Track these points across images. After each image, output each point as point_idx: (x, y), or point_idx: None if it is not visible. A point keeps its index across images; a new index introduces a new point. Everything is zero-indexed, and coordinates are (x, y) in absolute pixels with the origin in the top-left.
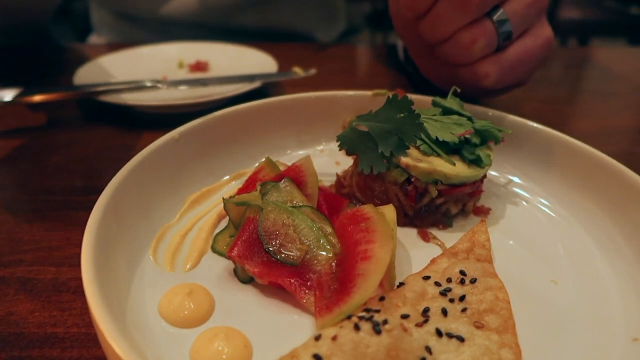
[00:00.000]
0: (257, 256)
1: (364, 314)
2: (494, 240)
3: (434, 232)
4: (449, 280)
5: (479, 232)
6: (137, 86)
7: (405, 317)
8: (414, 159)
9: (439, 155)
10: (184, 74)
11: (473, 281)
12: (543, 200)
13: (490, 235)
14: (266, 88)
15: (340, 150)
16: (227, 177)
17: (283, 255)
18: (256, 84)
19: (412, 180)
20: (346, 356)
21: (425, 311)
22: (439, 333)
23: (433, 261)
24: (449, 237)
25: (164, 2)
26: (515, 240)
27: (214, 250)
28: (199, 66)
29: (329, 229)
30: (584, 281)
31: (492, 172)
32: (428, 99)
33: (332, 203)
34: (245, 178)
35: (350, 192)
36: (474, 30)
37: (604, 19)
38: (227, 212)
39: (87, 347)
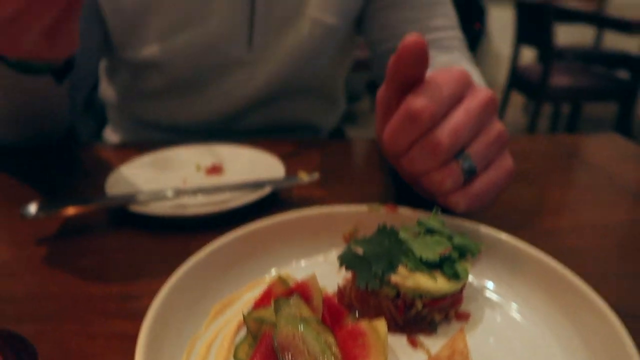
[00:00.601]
0: None
1: None
2: (473, 344)
3: (422, 338)
4: None
5: (459, 339)
6: (161, 196)
7: None
8: (402, 277)
9: (423, 272)
10: (202, 177)
11: None
12: (514, 304)
13: (470, 339)
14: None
15: (340, 267)
16: (244, 287)
17: None
18: (266, 191)
19: (401, 295)
20: None
21: None
22: None
23: None
24: (434, 343)
25: (175, 112)
26: (492, 342)
27: (235, 358)
28: (215, 169)
29: (331, 340)
30: None
31: (469, 278)
32: (415, 214)
33: (335, 314)
34: (259, 288)
35: (349, 303)
36: (443, 172)
37: (593, 84)
38: (247, 325)
39: None
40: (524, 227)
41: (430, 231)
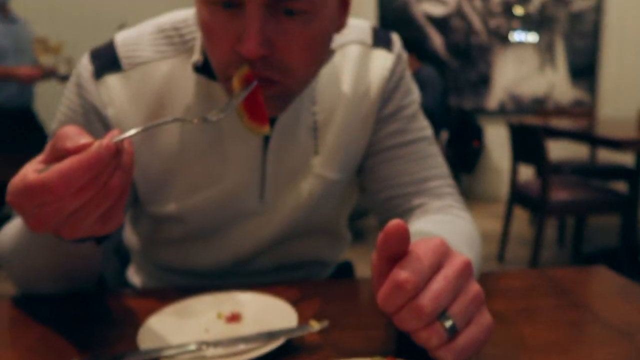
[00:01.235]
0: None
1: None
2: None
3: None
4: None
5: None
6: (186, 350)
7: None
8: None
9: None
10: (222, 325)
11: None
12: None
13: None
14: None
15: None
16: None
17: None
18: (281, 341)
19: None
20: None
21: None
22: None
23: None
24: None
25: (193, 258)
26: None
27: None
28: (234, 317)
29: None
30: None
31: None
32: None
33: None
34: None
35: None
36: (428, 331)
37: (593, 198)
38: None
39: None
40: None
41: None
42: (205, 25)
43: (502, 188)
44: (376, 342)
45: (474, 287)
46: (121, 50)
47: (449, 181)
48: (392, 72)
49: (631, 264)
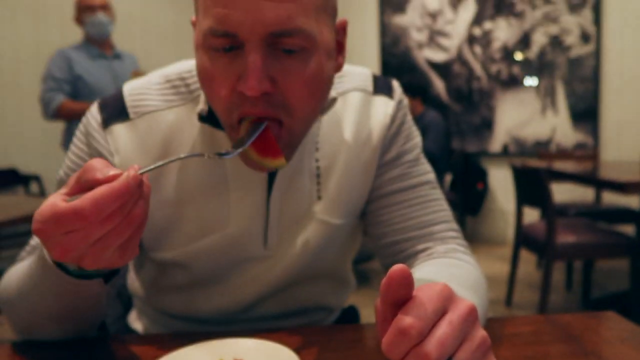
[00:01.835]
0: None
1: None
2: None
3: None
4: None
5: None
6: None
7: None
8: None
9: None
10: None
11: None
12: None
13: None
14: None
15: None
16: None
17: None
18: None
19: None
20: None
21: None
22: None
23: None
24: None
25: (196, 304)
26: None
27: None
28: None
29: None
30: None
31: None
32: None
33: None
34: None
35: None
36: None
37: (600, 241)
38: None
39: None
40: None
41: None
42: (206, 72)
43: (508, 230)
44: None
45: (480, 333)
46: (128, 100)
47: (453, 225)
48: (393, 118)
49: None
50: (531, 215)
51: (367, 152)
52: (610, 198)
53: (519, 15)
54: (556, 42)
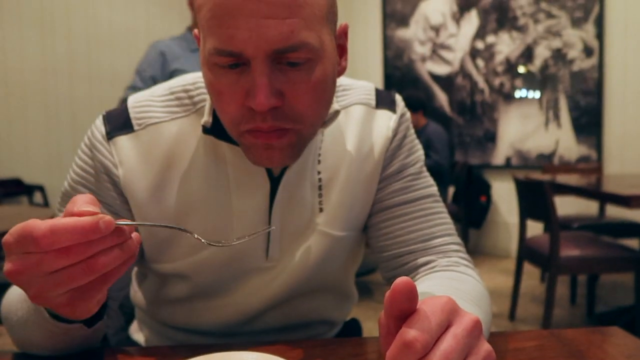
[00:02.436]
0: None
1: None
2: None
3: None
4: None
5: None
6: None
7: None
8: None
9: None
10: None
11: None
12: None
13: None
14: None
15: None
16: None
17: None
18: None
19: None
20: None
21: None
22: None
23: None
24: None
25: (198, 316)
26: None
27: None
28: None
29: None
30: None
31: None
32: None
33: None
34: None
35: None
36: None
37: (604, 255)
38: None
39: None
40: None
41: None
42: (213, 88)
43: (511, 243)
44: None
45: (485, 347)
46: (133, 112)
47: (455, 238)
48: (396, 131)
49: None
50: (535, 228)
51: (370, 165)
52: (614, 211)
53: (522, 29)
54: (559, 55)
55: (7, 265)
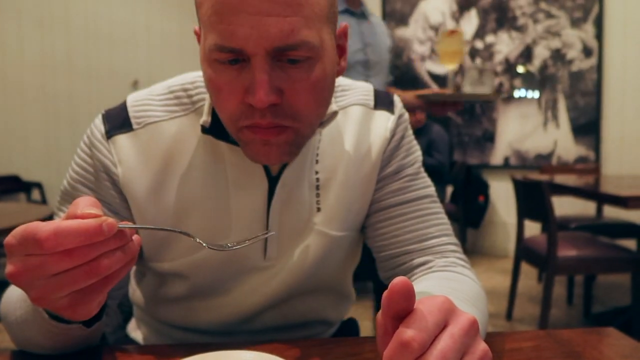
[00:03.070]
0: None
1: None
2: None
3: None
4: None
5: None
6: None
7: None
8: None
9: None
10: None
11: None
12: None
13: None
14: None
15: None
16: None
17: None
18: None
19: None
20: None
21: None
22: None
23: None
24: None
25: (196, 315)
26: None
27: None
28: None
29: None
30: None
31: None
32: None
33: None
34: None
35: None
36: None
37: (601, 255)
38: None
39: None
40: None
41: None
42: (213, 84)
43: (509, 243)
44: None
45: (481, 346)
46: (132, 111)
47: (452, 239)
48: (394, 132)
49: None
50: (532, 228)
51: (367, 166)
52: (612, 212)
53: (521, 29)
54: (558, 55)
55: (9, 267)
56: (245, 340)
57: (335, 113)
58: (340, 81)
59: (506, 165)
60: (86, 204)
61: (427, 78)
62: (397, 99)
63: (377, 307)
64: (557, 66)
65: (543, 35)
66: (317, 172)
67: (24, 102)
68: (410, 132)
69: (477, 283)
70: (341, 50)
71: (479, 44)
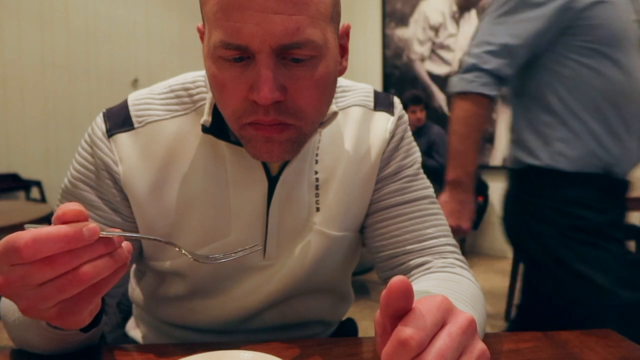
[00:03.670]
0: None
1: None
2: None
3: None
4: None
5: None
6: None
7: None
8: None
9: None
10: None
11: None
12: None
13: None
14: None
15: None
16: None
17: None
18: None
19: None
20: None
21: None
22: None
23: None
24: None
25: (195, 314)
26: None
27: None
28: None
29: None
30: None
31: None
32: None
33: None
34: None
35: None
36: None
37: None
38: None
39: None
40: None
41: None
42: (217, 80)
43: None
44: None
45: (479, 345)
46: (133, 109)
47: (451, 240)
48: (393, 133)
49: None
50: None
51: (367, 166)
52: None
53: None
54: None
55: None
56: (244, 340)
57: (335, 113)
58: (341, 82)
59: (505, 165)
60: (71, 207)
61: (426, 78)
62: (396, 100)
63: None
64: None
65: None
66: (316, 172)
67: (24, 100)
68: (409, 133)
69: (475, 284)
70: (343, 50)
71: None
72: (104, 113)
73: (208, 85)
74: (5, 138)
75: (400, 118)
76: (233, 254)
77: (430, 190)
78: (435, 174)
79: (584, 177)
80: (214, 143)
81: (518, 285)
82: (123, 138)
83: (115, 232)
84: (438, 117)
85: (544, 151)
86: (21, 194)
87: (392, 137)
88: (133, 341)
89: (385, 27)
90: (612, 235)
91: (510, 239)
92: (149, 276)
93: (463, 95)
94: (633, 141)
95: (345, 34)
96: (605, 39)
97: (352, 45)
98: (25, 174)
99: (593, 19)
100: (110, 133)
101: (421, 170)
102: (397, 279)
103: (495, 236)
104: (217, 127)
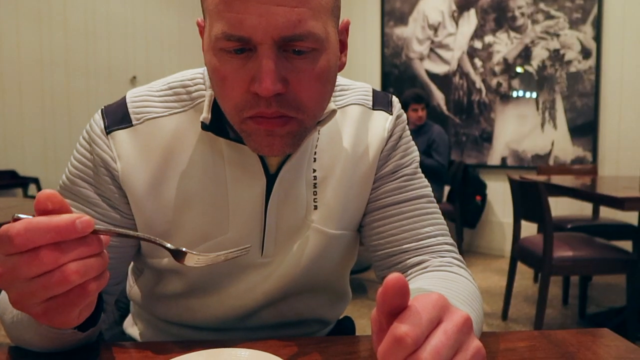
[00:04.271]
0: None
1: None
2: None
3: None
4: None
5: None
6: None
7: None
8: None
9: None
10: None
11: None
12: None
13: None
14: None
15: None
16: None
17: None
18: None
19: None
20: None
21: None
22: None
23: None
24: None
25: (193, 312)
26: None
27: None
28: None
29: None
30: None
31: None
32: None
33: None
34: None
35: None
36: None
37: (597, 256)
38: None
39: None
40: None
41: None
42: (218, 73)
43: (505, 243)
44: None
45: (475, 343)
46: (131, 106)
47: (448, 239)
48: (391, 132)
49: (638, 325)
50: (529, 228)
51: (365, 165)
52: (609, 213)
53: (520, 29)
54: (556, 56)
55: None
56: (242, 338)
57: (334, 112)
58: (340, 81)
59: (503, 165)
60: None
61: (425, 77)
62: (395, 100)
63: None
64: (555, 67)
65: (542, 35)
66: (314, 170)
67: (21, 97)
68: (407, 132)
69: (472, 283)
70: (342, 45)
71: (478, 44)
72: (102, 110)
73: (207, 83)
74: (3, 135)
75: (398, 117)
76: (223, 256)
77: (428, 190)
78: (434, 174)
79: None
80: (213, 140)
81: (515, 284)
82: (121, 135)
83: (109, 228)
84: (437, 116)
85: None
86: (19, 191)
87: (390, 136)
88: (131, 338)
89: (384, 25)
90: None
91: None
92: (147, 274)
93: None
94: None
95: (345, 29)
96: None
97: (351, 43)
98: (23, 171)
99: None
100: (108, 130)
101: (419, 170)
102: (392, 277)
103: (493, 235)
104: (216, 124)
